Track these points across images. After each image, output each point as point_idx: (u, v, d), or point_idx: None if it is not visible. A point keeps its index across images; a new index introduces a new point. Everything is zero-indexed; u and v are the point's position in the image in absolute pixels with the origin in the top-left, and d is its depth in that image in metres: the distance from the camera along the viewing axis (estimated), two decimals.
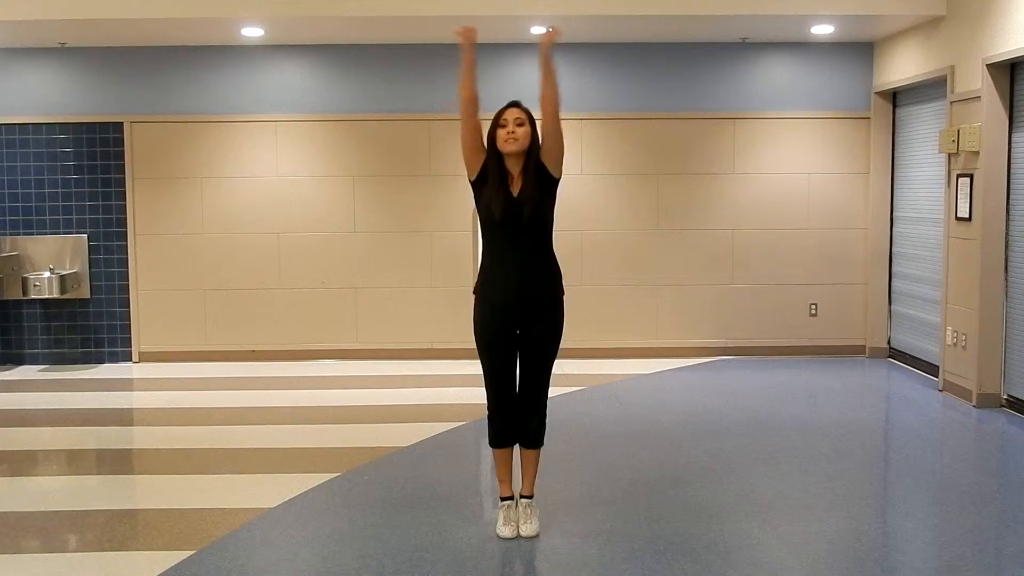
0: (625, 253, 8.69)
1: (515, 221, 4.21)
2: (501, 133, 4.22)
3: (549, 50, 4.23)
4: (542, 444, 4.48)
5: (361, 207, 8.64)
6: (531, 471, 4.50)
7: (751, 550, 4.31)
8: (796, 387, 7.68)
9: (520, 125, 4.21)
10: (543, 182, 4.25)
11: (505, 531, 4.40)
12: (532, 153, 4.24)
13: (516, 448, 4.52)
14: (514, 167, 4.25)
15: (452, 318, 8.48)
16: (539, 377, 4.38)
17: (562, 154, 4.28)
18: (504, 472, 4.49)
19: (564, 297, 4.41)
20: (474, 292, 4.39)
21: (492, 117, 4.31)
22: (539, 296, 4.31)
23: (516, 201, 4.21)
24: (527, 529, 4.41)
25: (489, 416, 4.44)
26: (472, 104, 4.26)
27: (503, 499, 4.49)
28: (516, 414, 4.40)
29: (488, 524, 4.59)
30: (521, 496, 4.51)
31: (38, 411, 7.15)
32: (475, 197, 4.33)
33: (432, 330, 8.64)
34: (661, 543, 4.35)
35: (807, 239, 8.71)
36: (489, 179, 4.24)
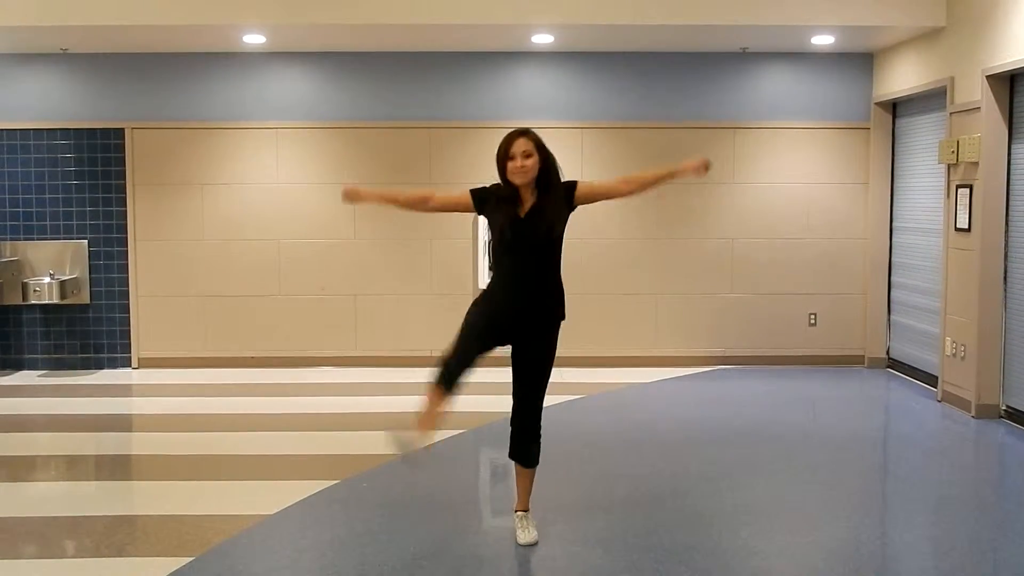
0: (624, 262, 8.70)
1: (524, 241, 4.23)
2: (510, 166, 4.20)
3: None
4: (537, 463, 4.47)
5: (361, 214, 8.64)
6: (527, 488, 4.50)
7: (750, 559, 4.31)
8: (795, 397, 7.68)
9: (528, 157, 4.19)
10: (560, 209, 4.27)
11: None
12: (543, 180, 4.24)
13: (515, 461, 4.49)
14: (524, 191, 4.25)
15: (452, 325, 8.43)
16: (534, 396, 4.38)
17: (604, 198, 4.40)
18: (435, 406, 4.22)
19: (563, 322, 4.40)
20: (482, 294, 4.40)
21: (500, 144, 4.29)
22: (540, 314, 4.31)
23: (524, 222, 4.23)
24: (525, 537, 4.41)
25: (444, 363, 4.21)
26: (420, 202, 4.42)
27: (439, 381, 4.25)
28: (465, 375, 4.22)
29: (487, 532, 4.60)
30: (516, 510, 4.51)
31: (37, 416, 7.14)
32: (483, 213, 4.36)
33: (431, 337, 8.62)
34: (660, 552, 4.35)
35: (806, 249, 8.72)
36: (494, 205, 4.27)
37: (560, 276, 4.38)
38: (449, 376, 4.23)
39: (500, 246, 4.31)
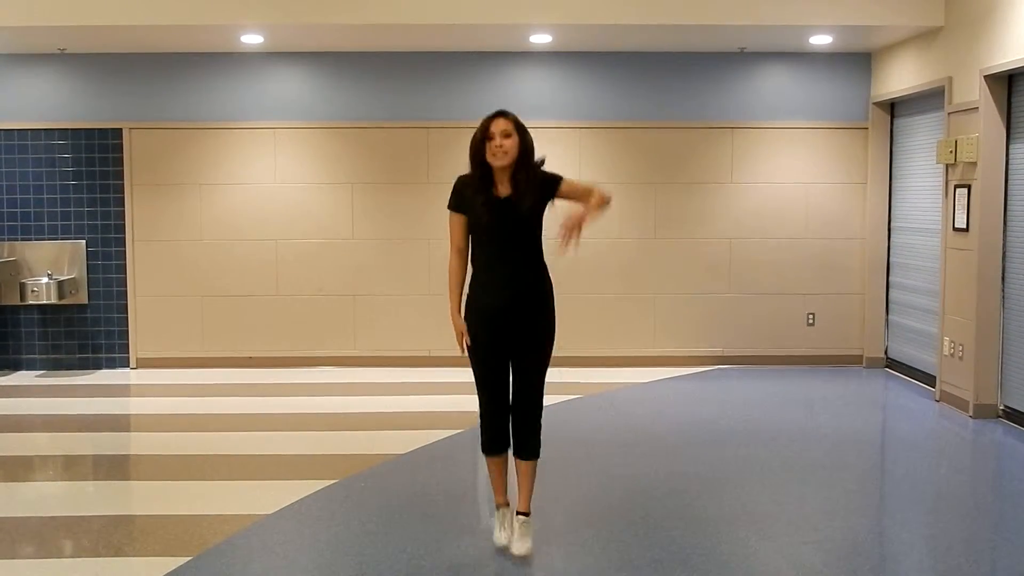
0: (623, 262, 8.70)
1: (504, 225, 4.19)
2: (490, 146, 4.14)
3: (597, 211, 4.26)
4: (538, 456, 4.38)
5: (359, 214, 8.65)
6: (527, 486, 4.37)
7: (748, 560, 4.32)
8: (793, 397, 7.68)
9: (507, 137, 4.13)
10: (541, 193, 4.23)
11: (502, 537, 4.35)
12: (521, 163, 4.18)
13: (510, 456, 4.44)
14: (502, 174, 4.20)
15: (450, 325, 8.46)
16: (533, 387, 4.31)
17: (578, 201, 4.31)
18: (498, 480, 4.43)
19: (555, 306, 4.37)
20: (465, 302, 4.35)
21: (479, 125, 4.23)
22: (530, 304, 4.27)
23: (504, 204, 4.18)
24: (519, 547, 4.28)
25: (481, 423, 4.38)
26: (459, 264, 4.32)
27: (498, 506, 4.45)
28: (507, 421, 4.35)
29: (485, 533, 4.59)
30: (517, 512, 4.39)
31: (35, 416, 7.14)
32: (465, 212, 4.27)
33: (429, 337, 8.64)
34: (657, 552, 4.35)
35: (805, 249, 8.72)
36: (470, 196, 4.20)
37: (544, 264, 4.33)
38: (491, 433, 4.32)
39: (480, 233, 4.24)
